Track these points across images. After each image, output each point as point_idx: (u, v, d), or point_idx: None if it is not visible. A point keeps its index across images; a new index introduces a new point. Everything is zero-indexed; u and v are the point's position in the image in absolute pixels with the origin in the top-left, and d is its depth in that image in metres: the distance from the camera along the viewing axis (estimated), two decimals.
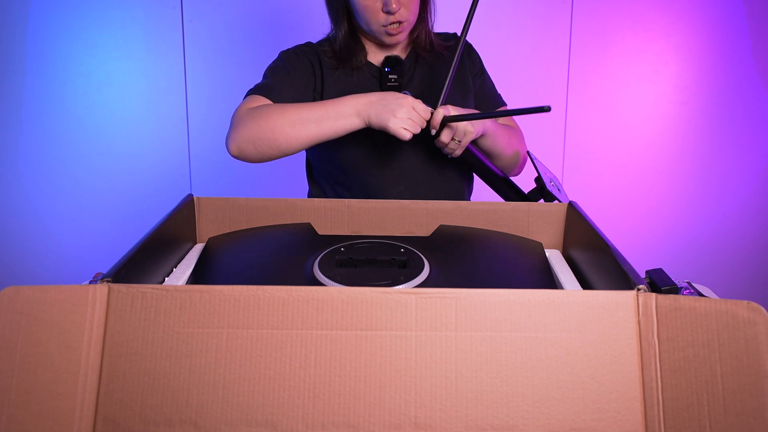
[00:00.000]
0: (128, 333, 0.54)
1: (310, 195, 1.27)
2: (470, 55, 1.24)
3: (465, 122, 1.02)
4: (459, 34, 1.25)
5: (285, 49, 1.18)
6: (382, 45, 1.16)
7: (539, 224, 0.95)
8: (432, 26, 1.19)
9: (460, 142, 1.03)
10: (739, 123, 2.06)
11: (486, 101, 1.23)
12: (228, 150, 1.04)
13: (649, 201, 2.11)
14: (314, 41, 1.20)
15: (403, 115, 0.97)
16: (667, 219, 2.13)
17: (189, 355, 0.54)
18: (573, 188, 2.09)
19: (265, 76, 1.14)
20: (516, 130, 1.22)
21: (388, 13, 1.06)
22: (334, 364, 0.53)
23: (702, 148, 2.08)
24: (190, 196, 0.95)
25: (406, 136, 0.98)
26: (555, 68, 2.00)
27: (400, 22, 1.09)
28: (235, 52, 1.99)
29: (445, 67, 1.17)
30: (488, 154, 1.16)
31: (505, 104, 1.25)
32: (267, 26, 1.97)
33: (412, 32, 1.17)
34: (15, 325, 0.53)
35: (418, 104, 0.99)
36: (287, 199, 0.96)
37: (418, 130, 0.99)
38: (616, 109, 2.05)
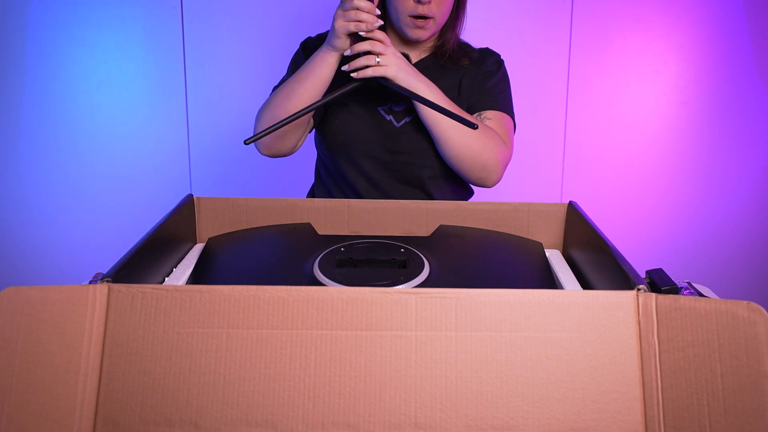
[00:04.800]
0: (128, 333, 0.54)
1: (311, 195, 1.27)
2: (483, 63, 1.19)
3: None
4: (490, 48, 1.21)
5: (304, 39, 1.20)
6: (405, 41, 1.14)
7: (539, 224, 0.95)
8: (460, 33, 1.17)
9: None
10: (739, 123, 2.06)
11: (481, 96, 1.15)
12: (259, 151, 1.14)
13: (649, 201, 2.11)
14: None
15: (340, 19, 1.00)
16: (667, 219, 2.13)
17: (189, 355, 0.54)
18: (573, 188, 2.09)
19: (288, 69, 1.18)
20: (487, 131, 1.08)
21: (419, 2, 1.05)
22: (334, 364, 0.53)
23: (702, 148, 2.08)
24: (190, 196, 0.95)
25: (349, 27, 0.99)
26: (555, 68, 2.00)
27: (427, 17, 1.07)
28: (235, 52, 1.99)
29: (463, 76, 1.15)
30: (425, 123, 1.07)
31: (505, 112, 1.16)
32: (267, 26, 1.97)
33: (439, 37, 1.15)
34: (15, 325, 0.53)
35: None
36: (287, 199, 0.96)
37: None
38: (616, 109, 2.04)
